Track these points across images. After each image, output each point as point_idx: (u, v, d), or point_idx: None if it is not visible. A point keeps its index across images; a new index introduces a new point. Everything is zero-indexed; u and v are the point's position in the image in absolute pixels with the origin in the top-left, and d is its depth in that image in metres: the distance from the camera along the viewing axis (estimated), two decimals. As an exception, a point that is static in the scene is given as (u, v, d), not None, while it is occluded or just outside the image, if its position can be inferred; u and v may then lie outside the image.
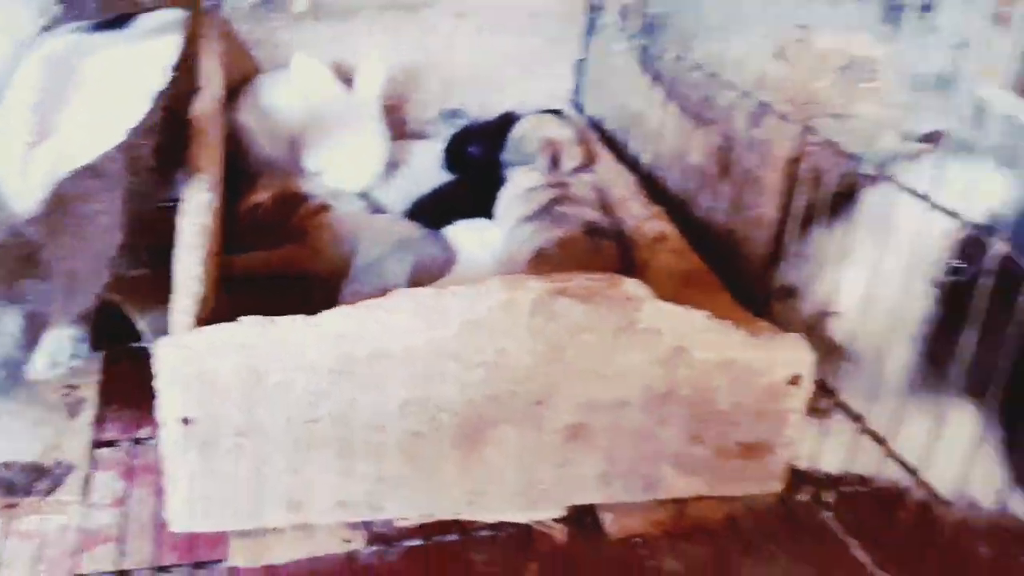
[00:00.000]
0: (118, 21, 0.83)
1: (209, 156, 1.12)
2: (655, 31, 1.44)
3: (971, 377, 0.90)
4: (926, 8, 1.69)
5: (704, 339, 0.89)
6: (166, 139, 1.06)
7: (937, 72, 1.85)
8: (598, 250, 1.21)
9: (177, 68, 0.85)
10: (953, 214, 0.89)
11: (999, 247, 0.83)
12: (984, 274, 0.85)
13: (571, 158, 1.38)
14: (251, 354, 0.80)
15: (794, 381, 0.94)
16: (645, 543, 0.99)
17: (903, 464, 0.96)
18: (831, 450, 1.05)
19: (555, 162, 1.37)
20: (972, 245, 0.90)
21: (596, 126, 1.59)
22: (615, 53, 1.53)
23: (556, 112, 1.53)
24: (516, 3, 1.58)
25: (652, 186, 1.38)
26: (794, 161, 1.13)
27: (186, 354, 0.79)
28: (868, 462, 1.01)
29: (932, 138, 1.22)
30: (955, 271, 0.97)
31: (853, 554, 0.99)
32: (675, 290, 1.10)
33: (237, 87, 1.50)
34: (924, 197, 0.91)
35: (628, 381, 0.89)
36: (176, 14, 0.85)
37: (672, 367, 0.89)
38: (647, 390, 0.90)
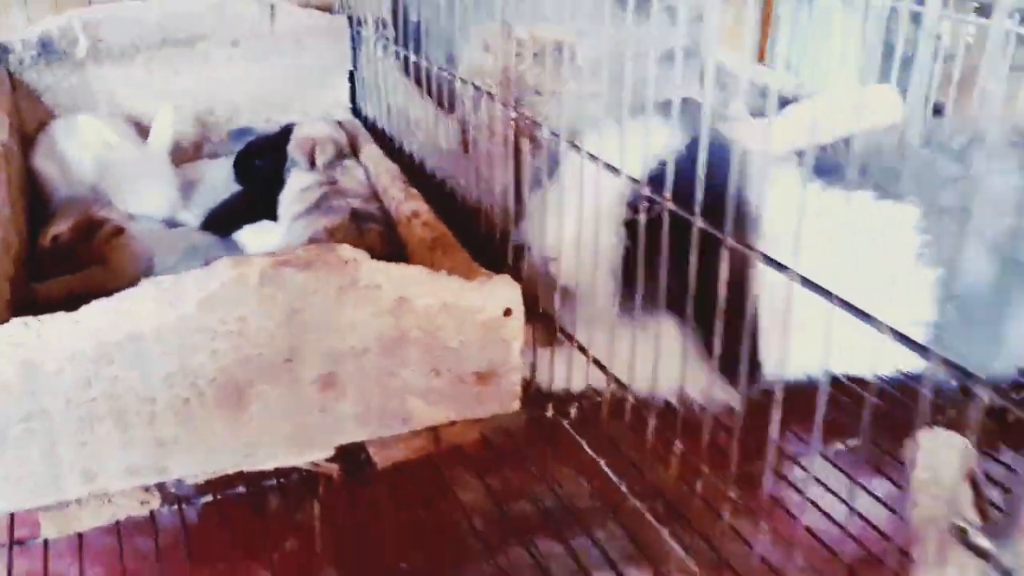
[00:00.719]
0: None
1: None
2: (409, 38, 1.62)
3: (666, 295, 1.10)
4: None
5: (423, 289, 1.07)
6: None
7: (678, 46, 2.08)
8: (363, 233, 1.38)
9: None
10: (609, 166, 1.08)
11: (639, 190, 1.02)
12: (649, 212, 1.05)
13: (323, 152, 1.54)
14: (23, 350, 0.94)
15: (507, 313, 1.12)
16: (410, 469, 1.17)
17: (613, 376, 1.15)
18: (566, 372, 1.24)
19: (311, 158, 1.54)
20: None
21: (374, 126, 1.76)
22: (379, 60, 1.70)
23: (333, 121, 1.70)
24: (285, 27, 1.75)
25: (420, 171, 1.57)
26: (512, 135, 1.33)
27: (-33, 359, 0.94)
28: (594, 378, 1.21)
29: (666, 105, 1.43)
30: (634, 211, 1.17)
31: (585, 450, 1.18)
32: (426, 256, 1.28)
33: (34, 133, 1.63)
34: (587, 153, 1.10)
35: (362, 331, 1.06)
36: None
37: (398, 315, 1.07)
38: (381, 337, 1.07)
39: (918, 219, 1.32)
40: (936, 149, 1.45)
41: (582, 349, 1.18)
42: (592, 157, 1.09)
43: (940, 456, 0.86)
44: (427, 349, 1.10)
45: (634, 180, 1.04)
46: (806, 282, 0.81)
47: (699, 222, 0.93)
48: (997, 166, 1.36)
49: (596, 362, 1.16)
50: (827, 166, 1.38)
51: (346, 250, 1.03)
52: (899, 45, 1.77)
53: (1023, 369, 1.26)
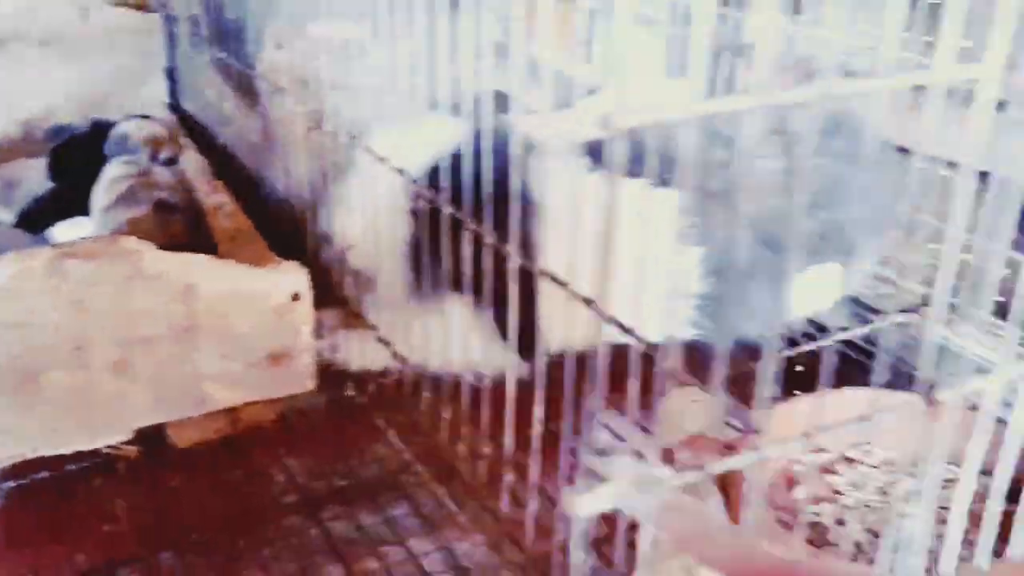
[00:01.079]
0: None
1: None
2: (222, 35, 1.67)
3: (453, 277, 1.18)
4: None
5: (209, 276, 1.14)
6: None
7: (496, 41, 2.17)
8: (167, 223, 1.43)
9: None
10: (383, 160, 1.16)
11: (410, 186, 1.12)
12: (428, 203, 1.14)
13: (165, 152, 1.60)
14: None
15: (296, 298, 1.20)
16: (209, 449, 1.24)
17: (398, 354, 1.24)
18: (364, 352, 1.32)
19: (154, 156, 1.59)
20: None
21: (191, 120, 1.81)
22: (193, 57, 1.75)
23: (146, 117, 1.74)
24: (97, 26, 1.77)
25: (232, 164, 1.63)
26: (308, 130, 1.40)
27: None
28: (389, 357, 1.29)
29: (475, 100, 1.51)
30: (416, 202, 1.25)
31: (375, 423, 1.27)
32: (227, 246, 1.34)
33: None
34: (366, 147, 1.18)
35: (151, 319, 1.12)
36: None
37: (187, 302, 1.13)
38: (171, 324, 1.14)
39: (687, 202, 1.44)
40: (709, 138, 1.58)
41: (373, 329, 1.27)
42: (372, 152, 1.18)
43: (685, 411, 0.98)
44: (218, 334, 1.17)
45: (401, 172, 1.13)
46: (523, 259, 0.91)
47: (447, 209, 1.03)
48: (759, 152, 1.50)
49: (383, 341, 1.25)
50: (610, 155, 1.50)
51: (129, 241, 1.09)
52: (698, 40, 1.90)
53: (782, 332, 1.39)
